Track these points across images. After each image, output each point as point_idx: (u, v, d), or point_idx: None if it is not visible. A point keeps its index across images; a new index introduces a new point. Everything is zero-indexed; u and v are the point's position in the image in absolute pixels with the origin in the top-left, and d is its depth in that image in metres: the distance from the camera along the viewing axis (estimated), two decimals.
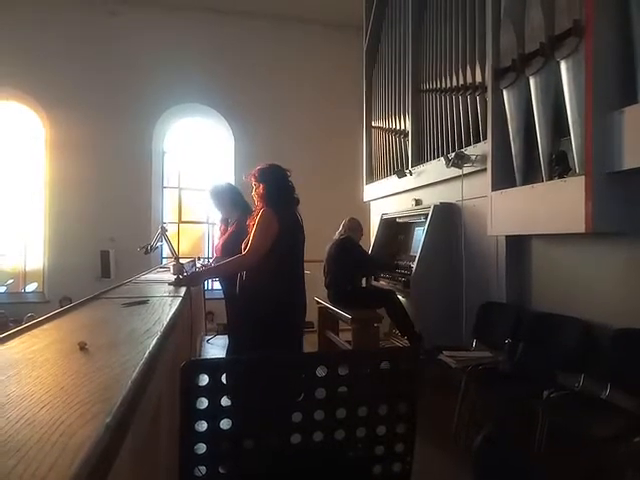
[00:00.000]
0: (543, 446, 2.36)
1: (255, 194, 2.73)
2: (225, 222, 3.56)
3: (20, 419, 0.62)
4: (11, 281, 8.72)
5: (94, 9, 8.22)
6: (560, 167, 2.88)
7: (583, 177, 2.60)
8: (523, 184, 3.26)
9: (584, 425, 2.30)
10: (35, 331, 1.28)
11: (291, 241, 2.62)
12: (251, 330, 2.62)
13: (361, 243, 4.83)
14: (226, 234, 3.40)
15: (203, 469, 0.98)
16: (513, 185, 3.33)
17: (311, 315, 4.82)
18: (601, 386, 2.51)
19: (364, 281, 5.23)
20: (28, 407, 0.67)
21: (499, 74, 3.42)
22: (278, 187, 2.66)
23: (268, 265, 2.53)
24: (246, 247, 2.62)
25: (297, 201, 2.74)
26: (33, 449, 0.53)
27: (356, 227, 4.76)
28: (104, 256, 8.12)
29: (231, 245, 3.07)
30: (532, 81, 3.07)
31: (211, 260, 4.44)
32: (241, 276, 2.70)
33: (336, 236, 4.72)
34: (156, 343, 1.09)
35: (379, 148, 6.39)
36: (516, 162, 3.31)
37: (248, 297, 2.66)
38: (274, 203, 2.61)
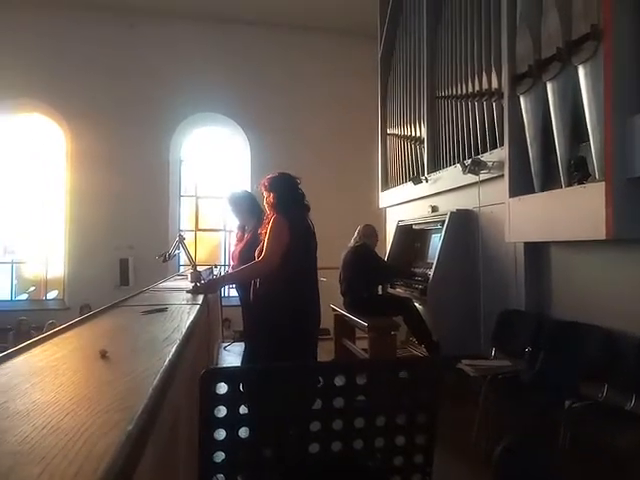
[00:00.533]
0: (565, 457, 2.31)
1: (266, 203, 2.76)
2: (242, 229, 3.59)
3: (46, 426, 0.63)
4: (33, 289, 8.91)
5: (114, 22, 8.42)
6: (579, 173, 2.84)
7: (603, 183, 2.56)
8: (541, 190, 3.22)
9: (608, 436, 2.24)
10: (57, 339, 1.30)
11: (303, 248, 2.63)
12: (266, 338, 2.63)
13: (377, 250, 4.81)
14: (243, 242, 3.42)
15: (222, 477, 0.98)
16: (531, 191, 3.29)
17: (327, 322, 4.83)
18: (626, 397, 2.45)
19: (380, 289, 5.20)
20: (53, 414, 0.68)
21: (515, 80, 3.40)
22: (288, 195, 2.68)
23: (281, 273, 2.54)
24: (259, 255, 2.64)
25: (308, 208, 2.75)
26: (58, 456, 0.54)
27: (371, 233, 4.74)
28: (123, 264, 8.25)
29: (248, 253, 3.09)
30: (549, 86, 3.04)
31: (229, 268, 4.46)
32: (254, 284, 2.71)
33: (351, 243, 4.72)
34: (175, 351, 1.10)
35: (394, 155, 6.39)
36: (534, 168, 3.28)
37: (262, 305, 2.67)
38: (285, 211, 2.63)
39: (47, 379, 0.88)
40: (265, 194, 2.75)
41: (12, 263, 8.82)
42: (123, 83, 8.44)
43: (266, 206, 2.77)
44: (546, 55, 3.05)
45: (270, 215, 2.70)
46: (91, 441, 0.58)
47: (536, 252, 3.49)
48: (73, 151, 8.59)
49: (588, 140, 2.73)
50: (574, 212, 2.80)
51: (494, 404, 2.97)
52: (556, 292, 3.34)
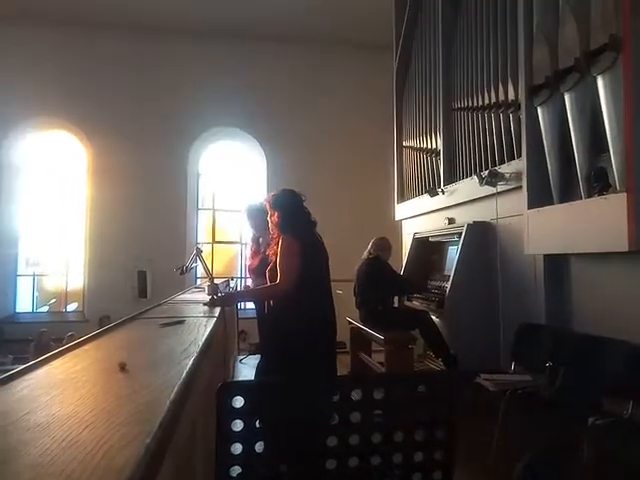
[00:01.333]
0: (588, 474, 2.24)
1: (270, 222, 2.70)
2: (256, 242, 3.61)
3: (65, 438, 0.64)
4: (53, 301, 9.07)
5: (132, 40, 8.62)
6: (599, 184, 2.79)
7: (624, 194, 2.51)
8: (560, 202, 3.18)
9: (633, 454, 2.17)
10: (77, 351, 1.31)
11: (315, 265, 2.61)
12: (279, 355, 2.62)
13: (392, 262, 4.77)
14: (259, 257, 3.43)
15: None
16: (550, 203, 3.25)
17: (343, 335, 4.79)
18: None
19: (396, 301, 5.16)
20: (72, 427, 0.68)
21: (533, 91, 3.38)
22: (293, 213, 2.63)
23: (295, 292, 2.52)
24: (270, 276, 2.64)
25: (314, 224, 2.70)
26: (78, 469, 0.55)
27: (384, 246, 4.69)
28: (141, 276, 8.35)
29: (264, 268, 3.10)
30: (567, 97, 3.02)
31: (246, 280, 4.47)
32: (269, 302, 2.71)
33: (364, 256, 4.67)
34: (193, 364, 1.10)
35: (410, 167, 6.38)
36: (552, 180, 3.24)
37: (276, 321, 2.67)
38: (292, 230, 2.58)
39: (67, 392, 0.89)
40: (269, 212, 2.71)
41: (34, 275, 8.99)
42: (142, 99, 8.62)
43: (270, 225, 2.72)
44: (564, 66, 3.03)
45: (275, 234, 2.66)
46: (110, 454, 0.58)
47: (556, 264, 3.43)
48: (93, 166, 8.78)
49: (608, 151, 2.69)
50: (595, 224, 2.75)
51: (514, 420, 2.90)
52: (577, 305, 3.27)
